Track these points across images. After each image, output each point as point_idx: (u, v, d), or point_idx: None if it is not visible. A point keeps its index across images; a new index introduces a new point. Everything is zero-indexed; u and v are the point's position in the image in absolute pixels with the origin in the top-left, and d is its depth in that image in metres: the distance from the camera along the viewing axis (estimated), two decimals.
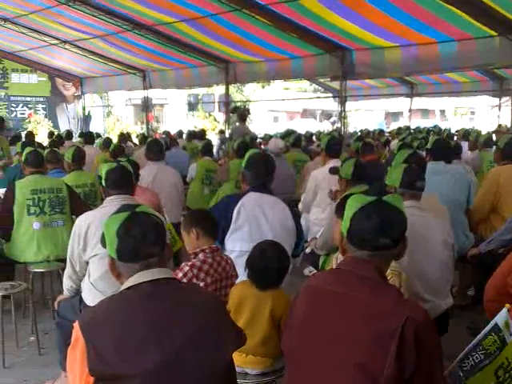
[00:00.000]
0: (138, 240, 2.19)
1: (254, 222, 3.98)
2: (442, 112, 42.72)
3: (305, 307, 2.27)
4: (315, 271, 5.69)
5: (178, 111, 32.57)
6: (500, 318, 2.60)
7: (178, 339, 2.10)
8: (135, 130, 23.62)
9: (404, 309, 2.03)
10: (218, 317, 2.27)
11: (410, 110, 19.27)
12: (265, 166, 4.19)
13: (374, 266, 2.17)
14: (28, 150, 5.85)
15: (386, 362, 1.94)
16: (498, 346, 2.58)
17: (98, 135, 15.46)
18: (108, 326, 2.10)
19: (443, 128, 16.99)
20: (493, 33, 8.11)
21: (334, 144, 6.42)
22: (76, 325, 2.13)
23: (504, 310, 2.59)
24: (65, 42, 14.24)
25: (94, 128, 19.39)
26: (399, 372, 1.94)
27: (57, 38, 14.16)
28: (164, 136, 14.44)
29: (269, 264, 3.27)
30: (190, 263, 3.37)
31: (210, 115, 30.40)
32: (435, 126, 18.12)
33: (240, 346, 2.34)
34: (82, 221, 3.90)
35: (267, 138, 14.02)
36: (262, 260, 3.28)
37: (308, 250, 5.33)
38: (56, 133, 14.47)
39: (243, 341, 2.35)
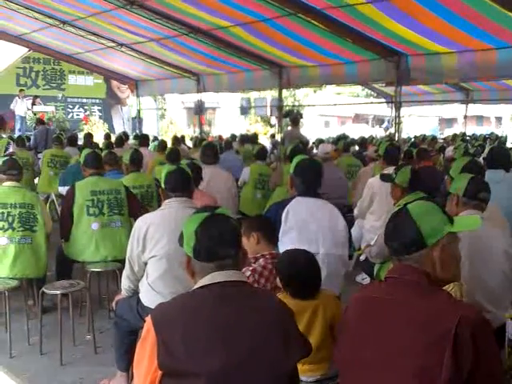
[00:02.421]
0: (215, 240, 2.24)
1: (302, 224, 3.98)
2: (498, 119, 41.90)
3: (356, 318, 2.28)
4: (368, 278, 5.67)
5: (230, 115, 32.77)
6: (509, 331, 2.54)
7: (245, 342, 2.13)
8: (188, 133, 23.86)
9: (457, 309, 2.04)
10: (286, 324, 2.27)
11: (466, 117, 18.90)
12: (313, 171, 4.19)
13: (421, 271, 2.17)
14: (87, 151, 5.98)
15: (442, 365, 1.94)
16: None
17: (156, 138, 15.67)
18: (179, 322, 2.14)
19: (499, 135, 16.68)
20: None
21: (393, 151, 6.38)
22: (148, 318, 2.18)
23: (508, 323, 2.54)
24: (121, 44, 14.47)
25: (146, 130, 19.68)
26: (457, 373, 1.93)
27: (114, 41, 14.40)
28: (215, 139, 14.56)
29: (299, 278, 3.20)
30: (251, 268, 3.39)
31: (261, 119, 30.50)
32: (492, 133, 17.81)
33: (305, 355, 2.34)
34: (142, 222, 3.94)
35: (317, 143, 14.02)
36: (292, 273, 3.22)
37: (362, 258, 5.31)
38: (112, 135, 14.77)
39: (309, 351, 2.36)
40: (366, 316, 2.23)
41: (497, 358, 2.07)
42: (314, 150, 13.33)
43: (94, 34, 14.05)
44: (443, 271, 2.19)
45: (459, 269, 2.31)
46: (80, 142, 12.17)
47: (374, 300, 2.25)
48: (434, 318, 2.02)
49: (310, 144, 14.73)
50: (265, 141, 19.32)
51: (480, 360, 1.96)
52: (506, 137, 17.13)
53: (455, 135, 17.04)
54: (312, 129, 31.47)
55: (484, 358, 1.97)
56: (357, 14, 8.56)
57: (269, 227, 3.74)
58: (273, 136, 18.22)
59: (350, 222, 4.29)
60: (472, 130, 24.63)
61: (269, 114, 24.86)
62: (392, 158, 6.30)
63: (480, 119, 39.63)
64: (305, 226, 3.98)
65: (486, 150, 6.96)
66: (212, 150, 7.22)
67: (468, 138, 15.68)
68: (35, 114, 17.60)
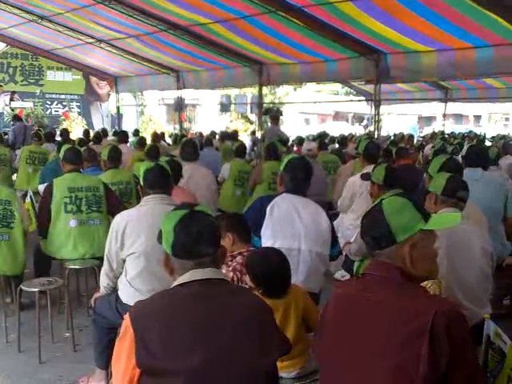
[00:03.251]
0: (194, 238, 2.23)
1: (286, 219, 3.99)
2: (477, 117, 42.28)
3: (334, 315, 2.28)
4: (348, 275, 5.69)
5: (210, 112, 32.70)
6: (488, 330, 2.56)
7: (224, 340, 2.12)
8: (167, 129, 23.78)
9: (432, 303, 2.05)
10: (266, 322, 2.27)
11: (445, 115, 18.98)
12: (303, 171, 4.20)
13: (394, 267, 2.17)
14: (66, 146, 5.94)
15: (420, 359, 1.94)
16: (498, 359, 2.53)
17: (137, 131, 15.59)
18: (157, 320, 2.13)
19: (478, 133, 16.83)
20: None
21: (373, 149, 6.40)
22: (126, 316, 2.16)
23: (487, 322, 2.55)
24: (100, 40, 14.38)
25: (126, 127, 19.59)
26: (434, 366, 1.94)
27: (92, 37, 14.31)
28: (195, 136, 14.52)
29: (272, 277, 3.20)
30: (231, 268, 3.38)
31: (242, 116, 30.47)
32: (470, 132, 17.93)
33: (285, 353, 2.34)
34: (120, 219, 3.92)
35: (297, 141, 14.05)
36: (264, 272, 3.21)
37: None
38: (91, 131, 14.70)
39: (288, 348, 2.36)
40: (343, 313, 2.24)
41: (473, 350, 2.09)
42: (295, 148, 13.36)
43: (73, 29, 13.95)
44: (414, 268, 2.17)
45: (435, 266, 2.30)
46: (57, 138, 12.09)
47: (350, 297, 2.25)
48: (410, 313, 2.03)
49: (290, 141, 14.77)
50: (245, 138, 19.31)
51: (456, 353, 1.97)
52: (485, 135, 17.26)
53: (434, 133, 17.14)
54: (292, 126, 31.49)
55: (460, 351, 1.99)
56: (337, 12, 8.57)
57: (243, 227, 3.75)
58: (253, 133, 18.22)
59: (332, 219, 4.29)
60: (451, 128, 24.76)
61: (249, 111, 24.87)
62: (372, 156, 6.33)
63: (459, 117, 39.93)
64: (288, 221, 3.99)
65: (465, 149, 7.01)
66: (192, 146, 7.20)
67: (446, 136, 15.79)
68: (13, 110, 17.45)
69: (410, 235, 2.17)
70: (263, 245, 3.91)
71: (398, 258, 2.18)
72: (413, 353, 1.97)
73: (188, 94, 19.69)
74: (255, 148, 14.94)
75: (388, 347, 2.03)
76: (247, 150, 12.46)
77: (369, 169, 5.72)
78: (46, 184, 5.94)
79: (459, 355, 1.98)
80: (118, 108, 19.46)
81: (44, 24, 13.75)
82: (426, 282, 2.90)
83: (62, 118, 20.43)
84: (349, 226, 5.87)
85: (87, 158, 6.55)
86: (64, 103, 21.43)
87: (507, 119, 40.64)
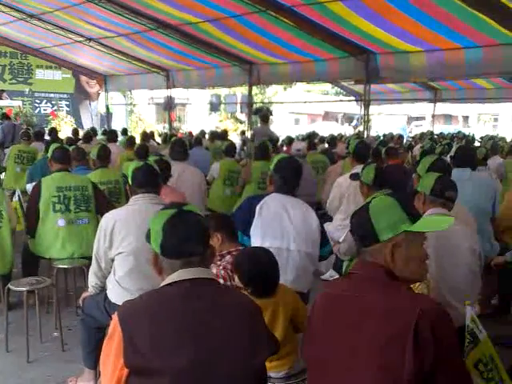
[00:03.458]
0: (183, 237, 2.22)
1: (275, 218, 3.98)
2: (465, 118, 42.45)
3: (321, 315, 2.27)
4: (337, 275, 5.70)
5: (200, 111, 32.68)
6: (467, 317, 2.64)
7: (212, 340, 2.11)
8: (157, 129, 23.74)
9: (416, 303, 2.04)
10: (254, 322, 2.27)
11: (434, 116, 19.02)
12: (293, 171, 4.19)
13: (379, 266, 2.17)
14: (55, 145, 5.91)
15: (404, 360, 1.94)
16: (470, 340, 2.60)
17: (125, 131, 15.55)
18: (146, 320, 2.12)
19: (467, 134, 16.88)
20: None
21: (363, 149, 6.40)
22: (115, 316, 2.15)
23: (467, 308, 2.63)
24: (90, 39, 14.36)
25: (115, 126, 19.53)
26: (419, 367, 1.94)
27: (82, 36, 14.29)
28: (185, 135, 14.49)
29: (261, 277, 3.18)
30: (221, 266, 3.37)
31: (231, 116, 30.47)
32: (459, 132, 17.97)
33: (274, 353, 2.34)
34: (109, 218, 3.90)
35: (287, 141, 14.05)
36: (254, 272, 3.18)
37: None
38: (80, 130, 14.65)
39: (277, 348, 2.35)
40: (330, 313, 2.24)
41: (458, 349, 2.09)
42: (284, 148, 13.36)
43: (62, 28, 13.92)
44: (397, 268, 2.17)
45: (421, 268, 2.27)
46: (46, 137, 12.04)
47: (336, 296, 2.25)
48: (394, 313, 2.03)
49: (280, 141, 14.77)
50: (235, 138, 19.29)
51: (441, 352, 1.97)
52: (473, 135, 17.31)
53: (423, 134, 17.17)
54: (282, 126, 31.49)
55: (445, 351, 1.99)
56: (327, 12, 8.60)
57: (230, 226, 3.75)
58: (243, 133, 18.21)
59: (321, 218, 4.28)
60: (440, 128, 24.83)
61: (239, 110, 24.86)
62: (361, 156, 6.32)
63: (448, 118, 40.08)
64: (278, 221, 3.97)
65: (453, 149, 7.04)
66: (181, 146, 7.19)
67: (436, 136, 15.83)
68: (1, 109, 17.36)
69: (394, 235, 2.16)
70: (252, 244, 3.90)
71: (379, 257, 2.18)
72: (398, 352, 1.96)
73: (178, 94, 19.66)
74: (245, 148, 14.93)
75: (373, 347, 2.03)
76: (237, 150, 12.46)
77: (358, 169, 5.72)
78: (34, 183, 5.92)
79: (444, 355, 1.98)
80: (107, 107, 19.42)
81: (33, 22, 13.74)
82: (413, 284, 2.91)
83: (51, 116, 20.33)
84: (337, 227, 5.85)
85: (76, 157, 6.52)
86: (53, 102, 21.34)
87: (496, 120, 40.81)
